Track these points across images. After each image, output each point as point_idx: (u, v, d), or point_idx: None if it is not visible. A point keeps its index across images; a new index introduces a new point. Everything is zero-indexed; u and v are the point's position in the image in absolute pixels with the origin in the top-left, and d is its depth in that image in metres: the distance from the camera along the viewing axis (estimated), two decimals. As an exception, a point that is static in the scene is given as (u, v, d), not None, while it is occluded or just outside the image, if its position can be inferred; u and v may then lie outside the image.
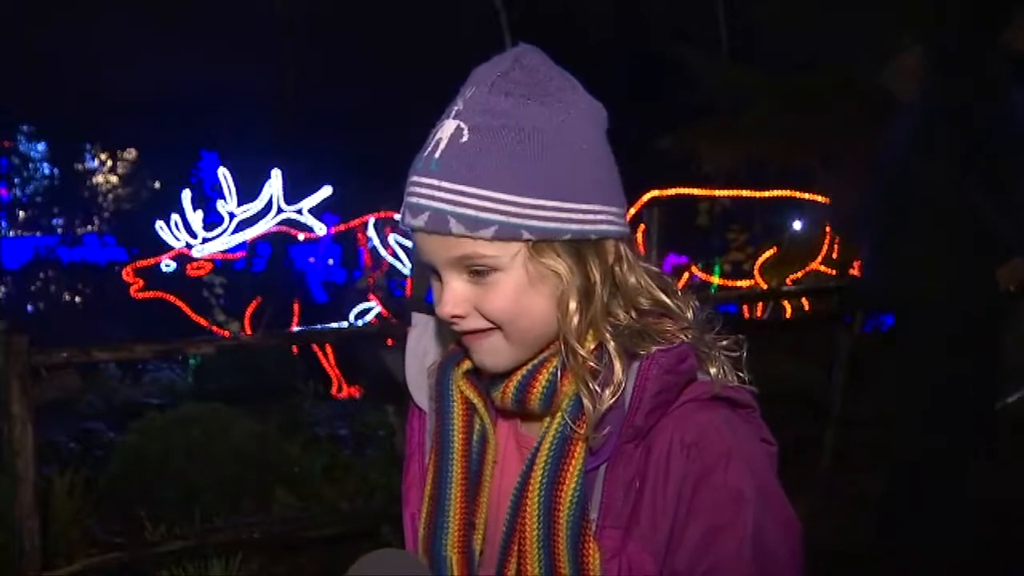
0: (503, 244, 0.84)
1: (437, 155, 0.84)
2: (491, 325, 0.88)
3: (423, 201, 0.84)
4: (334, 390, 7.33)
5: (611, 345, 0.86)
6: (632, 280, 0.90)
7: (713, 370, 0.89)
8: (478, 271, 0.86)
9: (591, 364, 0.86)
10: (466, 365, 0.96)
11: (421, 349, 1.02)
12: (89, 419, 5.55)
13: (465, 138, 0.84)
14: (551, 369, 0.89)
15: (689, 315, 0.91)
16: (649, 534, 0.86)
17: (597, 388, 0.86)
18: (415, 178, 0.86)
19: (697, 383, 0.89)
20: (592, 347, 0.87)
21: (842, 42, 7.22)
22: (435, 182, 0.84)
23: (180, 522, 3.53)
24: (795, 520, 0.90)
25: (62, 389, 2.99)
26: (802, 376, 5.21)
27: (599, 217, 0.87)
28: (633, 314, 0.89)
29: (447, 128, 0.85)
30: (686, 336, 0.88)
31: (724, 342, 0.92)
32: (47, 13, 15.40)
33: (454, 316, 0.88)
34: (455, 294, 0.87)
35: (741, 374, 0.92)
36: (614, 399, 0.85)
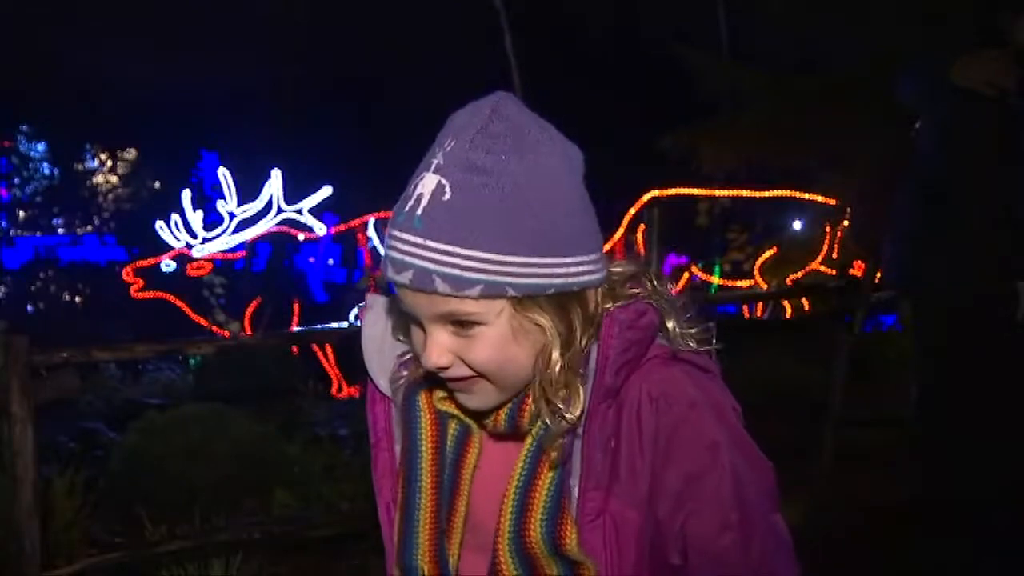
0: (488, 301, 0.85)
1: (419, 212, 0.84)
2: (475, 373, 0.89)
3: (407, 259, 0.85)
4: (334, 390, 7.33)
5: (577, 383, 0.89)
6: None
7: (670, 323, 0.92)
8: (462, 323, 0.87)
9: (558, 404, 0.89)
10: (441, 392, 0.97)
11: (378, 332, 1.02)
12: (89, 419, 5.55)
13: (447, 196, 0.84)
14: (532, 398, 0.92)
15: (653, 282, 0.94)
16: (629, 489, 0.90)
17: (560, 408, 0.89)
18: (397, 233, 0.86)
19: (658, 344, 0.92)
20: (564, 386, 0.90)
21: (842, 42, 7.22)
22: (419, 240, 0.84)
23: (180, 522, 3.53)
24: (766, 461, 0.93)
25: (62, 389, 2.99)
26: (802, 376, 5.22)
27: (580, 269, 0.88)
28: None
29: (428, 183, 0.85)
30: (642, 292, 0.91)
31: (693, 330, 0.94)
32: (48, 13, 15.40)
33: (439, 367, 0.89)
34: (439, 346, 0.88)
35: (707, 347, 0.95)
36: (574, 422, 0.89)
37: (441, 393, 0.97)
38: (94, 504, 3.61)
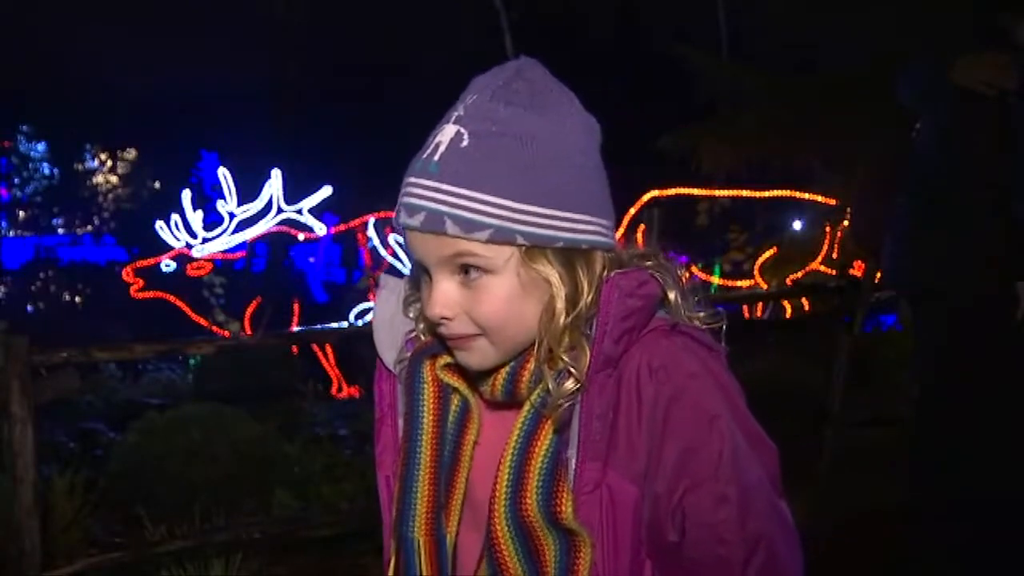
0: (497, 247, 0.86)
1: (436, 158, 0.86)
2: (477, 331, 0.89)
3: (420, 202, 0.86)
4: (334, 390, 7.33)
5: (583, 341, 0.89)
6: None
7: (672, 295, 0.92)
8: (469, 271, 0.87)
9: (564, 359, 0.88)
10: (444, 359, 0.97)
11: (389, 311, 1.03)
12: (89, 419, 5.54)
13: (465, 143, 0.86)
14: (535, 360, 0.91)
15: (660, 259, 0.93)
16: (627, 461, 0.89)
17: (567, 363, 0.88)
18: (412, 179, 0.88)
19: (659, 317, 0.92)
20: (567, 346, 0.89)
21: (842, 42, 7.22)
22: (433, 183, 0.86)
23: (180, 522, 3.53)
24: (769, 443, 0.92)
25: (62, 389, 2.99)
26: (802, 376, 5.21)
27: (590, 228, 0.89)
28: None
29: (447, 132, 0.87)
30: (648, 265, 0.91)
31: (701, 313, 0.94)
32: (48, 13, 15.41)
33: (443, 317, 0.89)
34: (445, 295, 0.89)
35: (713, 324, 0.94)
36: (576, 386, 0.88)
37: (443, 361, 0.97)
38: (94, 504, 3.61)
